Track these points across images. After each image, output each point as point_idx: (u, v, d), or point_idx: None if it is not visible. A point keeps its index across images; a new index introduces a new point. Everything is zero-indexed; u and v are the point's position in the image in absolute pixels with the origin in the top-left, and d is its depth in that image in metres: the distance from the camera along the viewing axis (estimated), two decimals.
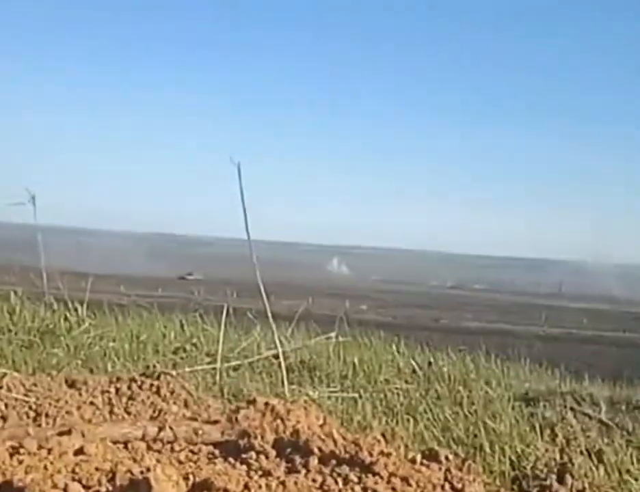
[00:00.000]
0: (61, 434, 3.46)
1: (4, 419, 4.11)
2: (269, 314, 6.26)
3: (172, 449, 3.76)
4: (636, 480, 4.28)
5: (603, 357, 18.41)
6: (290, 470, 3.42)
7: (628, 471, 4.40)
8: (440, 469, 3.59)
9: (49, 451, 3.16)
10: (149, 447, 3.73)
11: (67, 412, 4.24)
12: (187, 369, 6.15)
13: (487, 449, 4.64)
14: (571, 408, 5.82)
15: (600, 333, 25.68)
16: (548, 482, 4.07)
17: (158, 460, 3.29)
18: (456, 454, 4.07)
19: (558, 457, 4.55)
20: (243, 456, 3.59)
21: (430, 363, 7.46)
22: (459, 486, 3.48)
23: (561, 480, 4.10)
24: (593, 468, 4.32)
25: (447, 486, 3.46)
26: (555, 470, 4.28)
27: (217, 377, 6.18)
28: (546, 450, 4.69)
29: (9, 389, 4.39)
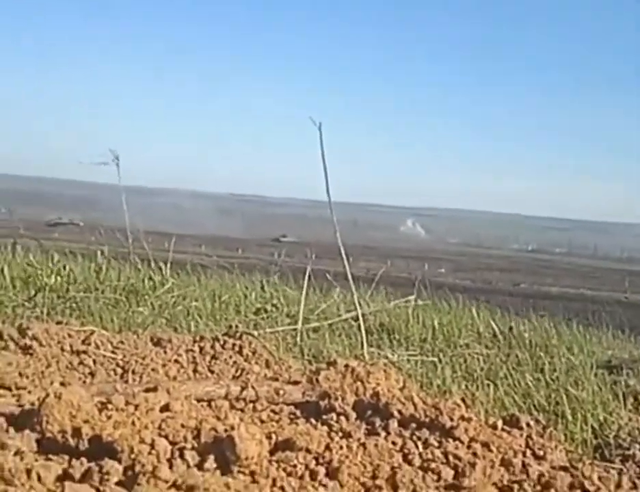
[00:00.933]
0: (147, 391, 3.55)
1: (92, 375, 4.25)
2: (349, 276, 6.27)
3: (254, 409, 3.82)
4: None
5: None
6: (370, 432, 3.44)
7: None
8: (521, 435, 3.56)
9: (136, 407, 3.24)
10: (232, 406, 3.79)
11: (152, 369, 4.35)
12: (268, 330, 6.23)
13: (569, 417, 4.58)
14: None
15: None
16: (631, 452, 3.99)
17: (241, 419, 3.35)
18: (537, 421, 4.03)
19: None
20: (324, 417, 3.63)
21: (511, 328, 7.38)
22: (541, 453, 3.45)
23: None
24: None
25: (528, 452, 3.43)
26: (638, 439, 4.21)
27: (298, 338, 6.24)
28: (629, 419, 4.61)
29: (97, 347, 4.53)
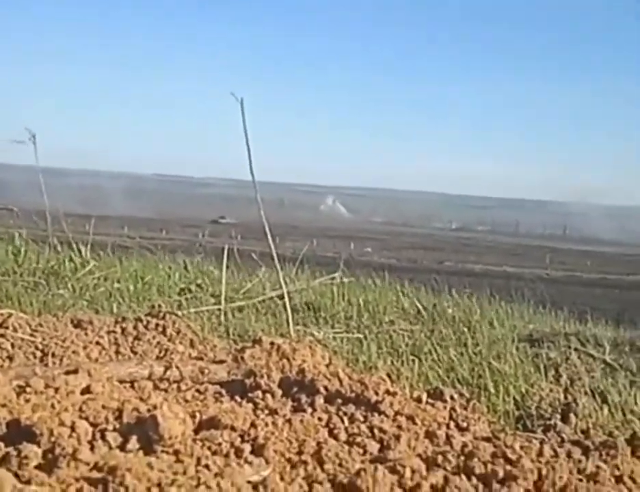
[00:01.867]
0: (67, 373, 3.46)
1: (10, 359, 4.12)
2: (274, 255, 6.23)
3: (179, 389, 3.77)
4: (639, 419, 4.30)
5: (606, 300, 18.42)
6: (297, 409, 3.43)
7: (631, 411, 4.41)
8: (445, 408, 3.60)
9: (56, 390, 3.16)
10: (155, 387, 3.74)
11: (73, 352, 4.25)
12: (192, 310, 6.17)
13: (492, 390, 4.66)
14: (575, 349, 5.83)
15: (603, 276, 25.69)
16: (552, 422, 4.08)
17: (165, 399, 3.30)
18: (461, 394, 4.08)
19: (562, 397, 4.57)
20: (250, 395, 3.60)
21: (435, 305, 7.47)
22: (464, 424, 3.50)
23: (565, 420, 4.11)
24: (597, 408, 4.34)
25: (452, 424, 3.48)
26: (559, 410, 4.30)
27: (222, 318, 6.19)
28: (550, 390, 4.71)
29: (15, 329, 4.40)
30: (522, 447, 3.00)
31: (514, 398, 4.52)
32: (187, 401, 3.61)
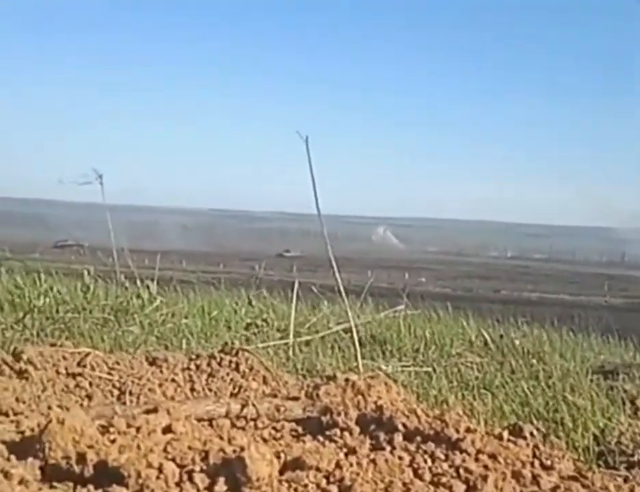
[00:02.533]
0: (147, 412, 3.48)
1: (89, 397, 4.17)
2: (341, 288, 6.22)
3: (256, 427, 3.77)
4: None
5: None
6: (375, 447, 3.40)
7: None
8: (528, 445, 3.53)
9: (138, 429, 3.17)
10: (233, 425, 3.74)
11: (150, 389, 4.28)
12: (260, 345, 6.17)
13: (569, 424, 4.56)
14: None
15: None
16: (635, 458, 3.98)
17: (251, 439, 3.30)
18: (537, 429, 4.00)
19: None
20: (327, 433, 3.58)
21: (502, 336, 7.38)
22: (549, 463, 3.42)
23: None
24: None
25: (536, 462, 3.40)
26: None
27: (290, 353, 6.19)
28: (629, 424, 4.59)
29: (92, 368, 4.45)
30: (615, 486, 2.93)
31: (593, 433, 4.41)
32: (264, 440, 3.60)
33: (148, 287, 7.94)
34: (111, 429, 3.18)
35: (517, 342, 7.14)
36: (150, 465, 2.70)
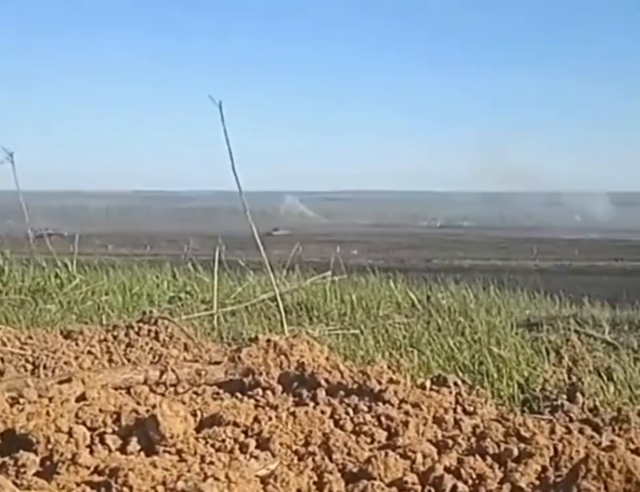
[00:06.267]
0: (61, 383, 3.36)
1: (1, 373, 4.01)
2: (264, 256, 6.14)
3: (176, 392, 3.68)
4: None
5: (597, 287, 18.35)
6: (298, 404, 3.34)
7: (638, 387, 4.34)
8: (450, 393, 3.52)
9: (50, 399, 3.06)
10: (152, 391, 3.63)
11: (65, 363, 4.13)
12: (184, 316, 6.05)
13: (495, 375, 4.57)
14: (575, 331, 5.75)
15: (592, 263, 25.65)
16: (558, 402, 4.00)
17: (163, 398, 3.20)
18: (463, 381, 3.99)
19: (566, 378, 4.49)
20: (249, 393, 3.51)
21: (429, 297, 7.39)
22: (471, 408, 3.41)
23: (571, 400, 4.04)
24: (603, 386, 4.27)
25: (459, 409, 3.39)
26: (565, 391, 4.22)
27: (215, 322, 6.08)
28: (554, 372, 4.63)
29: (4, 344, 4.28)
30: (534, 425, 2.93)
31: (518, 382, 4.43)
32: (184, 403, 3.51)
33: (66, 266, 7.72)
34: (21, 400, 3.06)
35: (443, 302, 7.15)
36: (59, 430, 2.60)
